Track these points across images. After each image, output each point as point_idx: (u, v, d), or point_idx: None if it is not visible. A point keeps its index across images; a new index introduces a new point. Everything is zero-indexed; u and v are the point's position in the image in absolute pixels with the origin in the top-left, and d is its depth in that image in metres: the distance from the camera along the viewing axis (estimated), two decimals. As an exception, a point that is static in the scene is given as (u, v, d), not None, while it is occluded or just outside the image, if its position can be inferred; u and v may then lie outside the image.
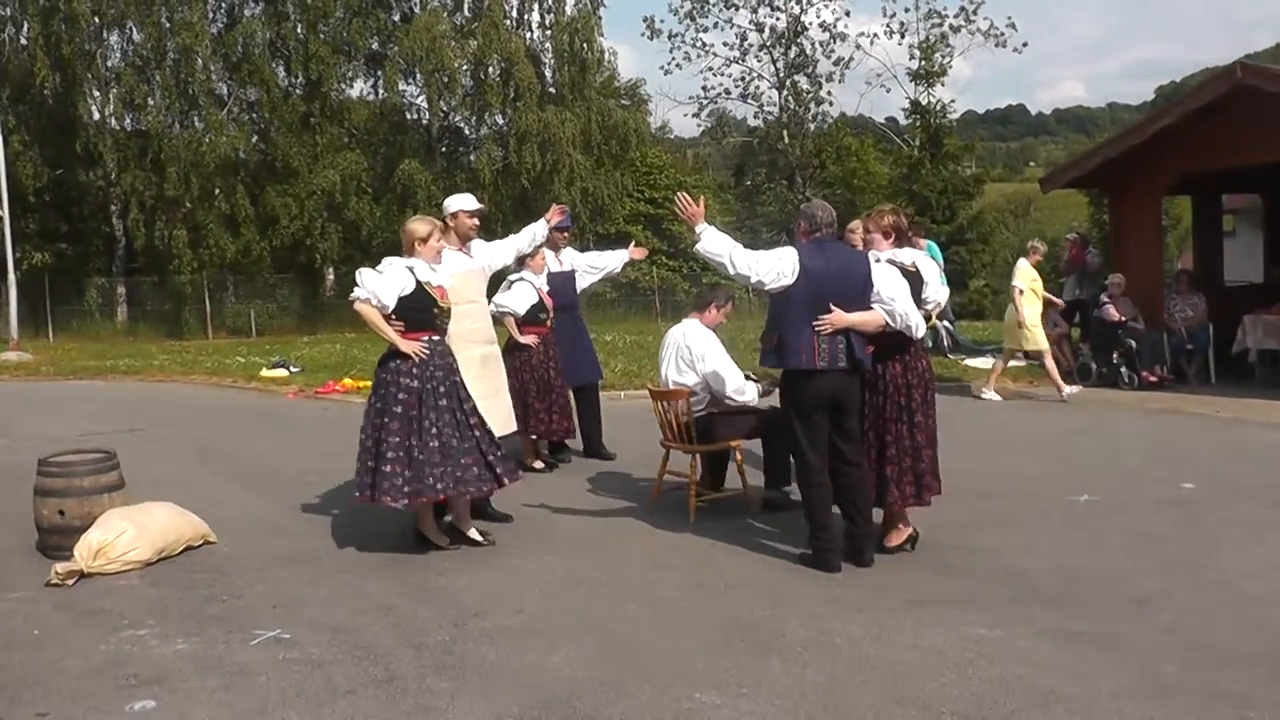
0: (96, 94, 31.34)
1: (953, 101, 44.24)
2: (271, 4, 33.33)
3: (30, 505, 6.78)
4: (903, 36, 40.30)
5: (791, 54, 41.34)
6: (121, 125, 31.91)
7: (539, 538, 7.04)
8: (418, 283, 6.54)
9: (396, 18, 35.29)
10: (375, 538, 6.91)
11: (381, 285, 6.47)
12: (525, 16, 35.91)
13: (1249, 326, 13.79)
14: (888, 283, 6.19)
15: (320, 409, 13.78)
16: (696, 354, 7.58)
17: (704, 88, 43.51)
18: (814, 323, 6.02)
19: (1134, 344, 13.68)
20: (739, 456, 7.61)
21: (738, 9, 40.92)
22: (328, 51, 32.55)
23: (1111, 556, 6.40)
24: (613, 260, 10.13)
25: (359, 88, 36.07)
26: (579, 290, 9.90)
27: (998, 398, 13.15)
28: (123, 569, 6.25)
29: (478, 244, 7.73)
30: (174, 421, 13.18)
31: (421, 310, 6.57)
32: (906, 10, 40.31)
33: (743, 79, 42.08)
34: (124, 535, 6.30)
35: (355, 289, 6.52)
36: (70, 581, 6.07)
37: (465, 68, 34.18)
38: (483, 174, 33.29)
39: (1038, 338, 12.96)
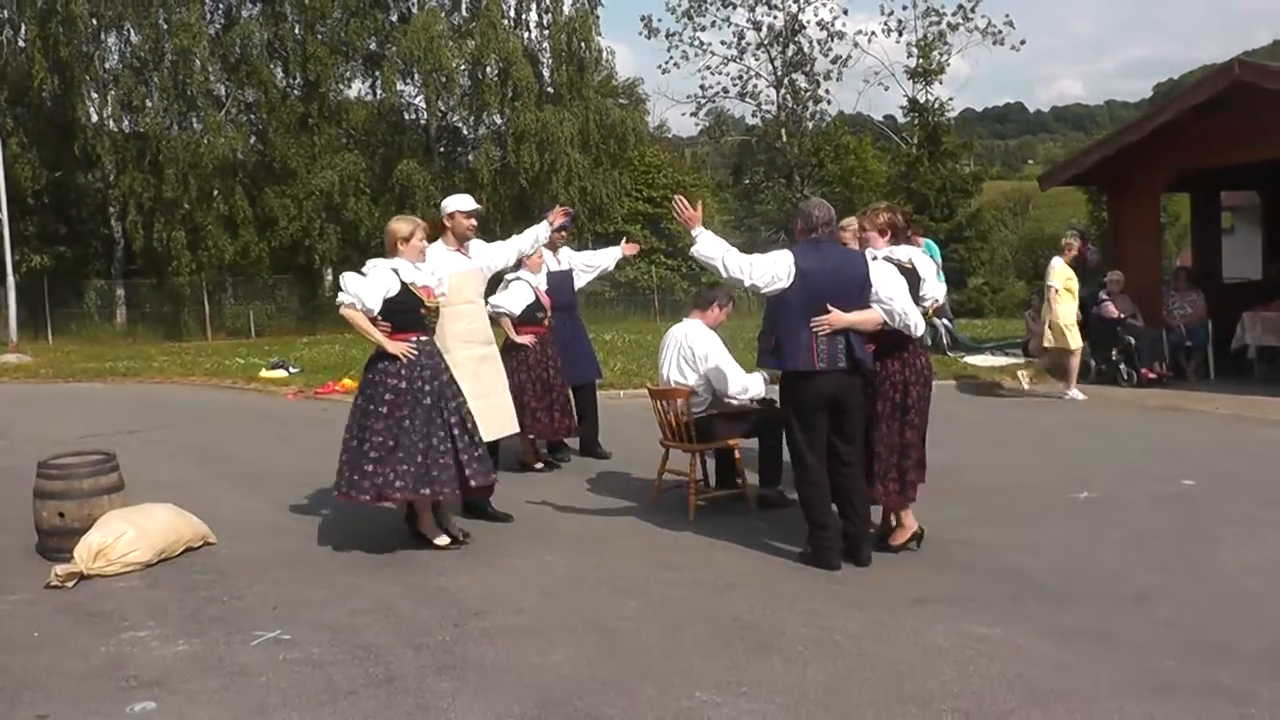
0: (94, 96, 31.32)
1: (951, 99, 44.33)
2: (269, 5, 33.32)
3: (30, 507, 6.78)
4: (900, 34, 40.44)
5: (789, 52, 41.42)
6: (120, 127, 31.92)
7: (539, 537, 7.04)
8: (403, 284, 6.55)
9: (394, 18, 35.26)
10: (375, 538, 6.91)
11: (365, 289, 6.48)
12: (523, 16, 35.97)
13: (1247, 323, 13.80)
14: (885, 281, 6.16)
15: (320, 410, 13.77)
16: (699, 354, 7.58)
17: (702, 86, 43.64)
18: (812, 323, 6.01)
19: (1133, 341, 13.69)
20: (738, 455, 7.63)
21: (735, 8, 41.01)
22: (325, 52, 32.54)
23: (1111, 553, 6.40)
24: (606, 258, 10.13)
25: (357, 88, 36.13)
26: (576, 289, 9.91)
27: (1082, 396, 12.80)
28: (122, 571, 6.24)
29: (476, 244, 7.72)
30: (173, 423, 13.17)
31: (408, 311, 6.58)
32: (904, 8, 40.66)
33: (740, 78, 42.20)
34: (124, 537, 6.30)
35: (340, 294, 6.53)
36: (70, 583, 6.06)
37: (463, 68, 34.18)
38: (481, 174, 33.29)
39: (1071, 338, 12.73)
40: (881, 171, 43.59)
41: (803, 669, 4.67)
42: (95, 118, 31.23)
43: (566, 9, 35.17)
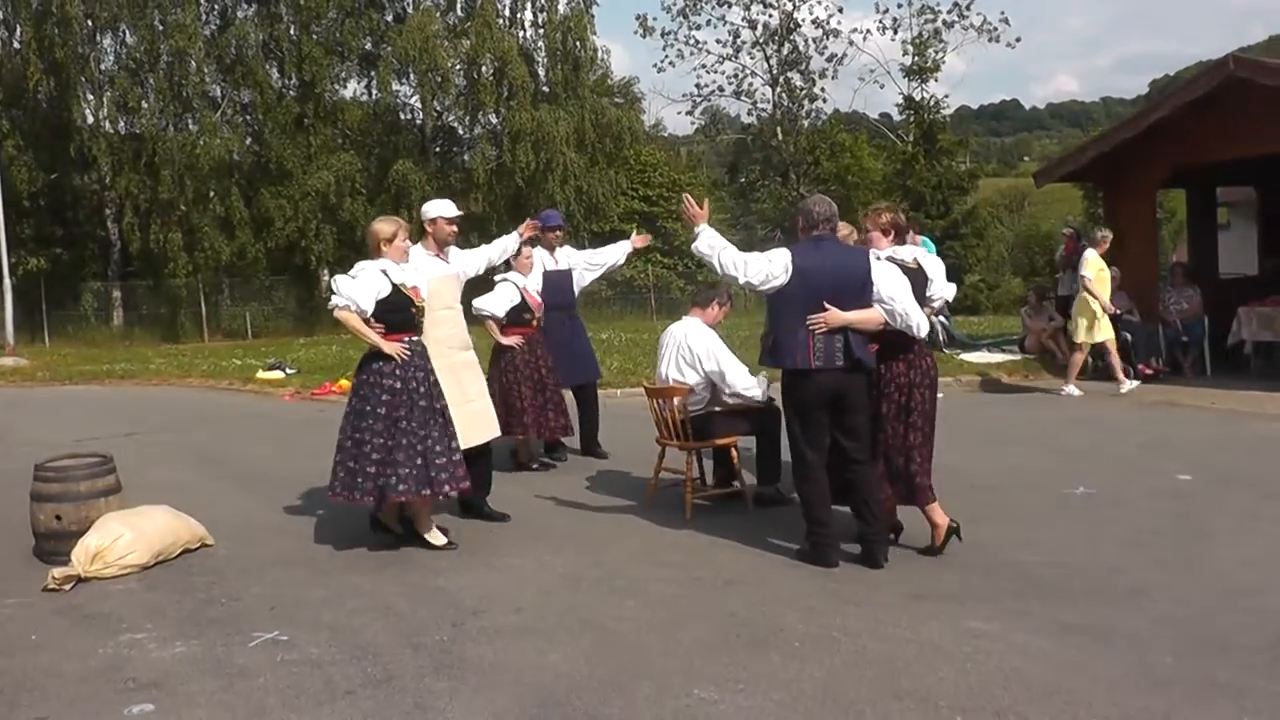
0: (90, 97, 31.24)
1: (946, 97, 44.52)
2: (264, 5, 33.26)
3: (27, 510, 6.77)
4: (896, 32, 40.39)
5: (784, 51, 41.37)
6: (115, 129, 31.84)
7: (537, 536, 7.05)
8: (393, 285, 6.57)
9: (389, 18, 35.20)
10: (372, 538, 6.91)
11: (359, 290, 6.48)
12: (518, 15, 35.87)
13: (1244, 319, 13.82)
14: (887, 280, 6.10)
15: (316, 410, 13.77)
16: (700, 353, 7.57)
17: (697, 85, 43.62)
18: (809, 321, 5.99)
19: (1129, 337, 13.71)
20: (735, 454, 7.64)
21: (730, 6, 40.96)
22: (321, 52, 32.51)
23: (1108, 549, 6.41)
24: (614, 254, 10.08)
25: (352, 88, 36.06)
26: (580, 287, 9.88)
27: (1079, 392, 12.78)
28: (120, 573, 6.24)
29: (454, 250, 7.73)
30: (170, 425, 13.17)
31: (400, 311, 6.60)
32: (899, 6, 40.41)
33: (736, 76, 42.16)
34: (121, 539, 6.30)
35: (333, 297, 6.52)
36: (68, 586, 6.06)
37: (458, 67, 34.13)
38: (477, 174, 33.28)
39: (1100, 328, 12.66)
40: (877, 169, 43.57)
41: (800, 666, 4.67)
42: (91, 119, 31.16)
43: (561, 8, 35.17)
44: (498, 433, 7.65)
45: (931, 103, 38.38)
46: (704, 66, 41.99)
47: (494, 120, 34.78)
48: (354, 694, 4.51)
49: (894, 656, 4.75)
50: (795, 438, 6.23)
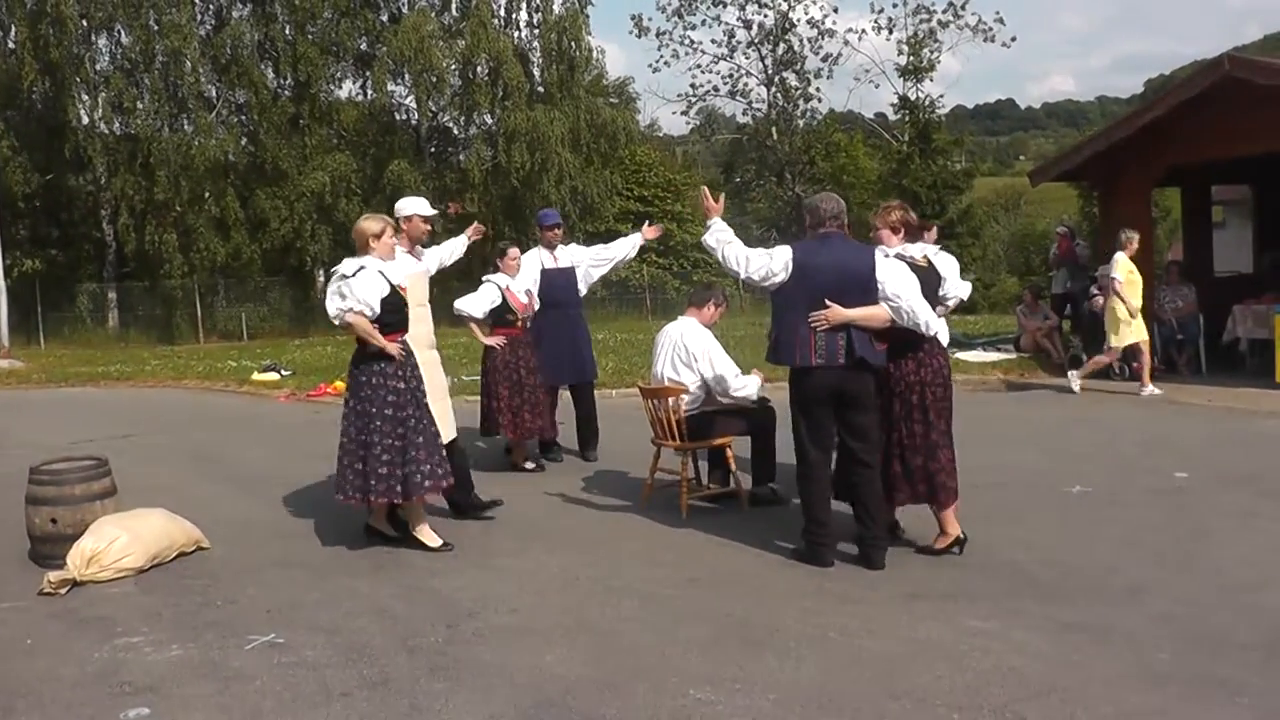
0: (85, 98, 31.22)
1: (941, 96, 44.44)
2: (259, 6, 33.26)
3: (22, 514, 6.76)
4: (891, 32, 40.35)
5: (779, 51, 41.37)
6: (111, 129, 31.81)
7: (532, 537, 7.04)
8: (390, 285, 6.58)
9: (384, 18, 35.21)
10: (365, 541, 6.90)
11: (368, 293, 6.48)
12: (513, 16, 35.87)
13: (1239, 316, 13.84)
14: (894, 278, 6.02)
15: (312, 412, 13.76)
16: (695, 352, 7.56)
17: (692, 85, 43.61)
18: (810, 318, 5.96)
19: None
20: (730, 454, 7.63)
21: (725, 6, 40.95)
22: (316, 53, 32.49)
23: (1105, 547, 6.41)
24: (624, 247, 10.00)
25: (347, 89, 36.05)
26: (587, 284, 9.85)
27: (1078, 390, 12.83)
28: (116, 576, 6.23)
29: (421, 249, 7.76)
30: (166, 427, 13.16)
31: (397, 311, 6.64)
32: (894, 5, 40.35)
33: (731, 76, 42.14)
34: (117, 542, 6.29)
35: (342, 300, 6.48)
36: (63, 590, 6.05)
37: (453, 67, 34.12)
38: (472, 174, 33.28)
39: (1132, 330, 12.51)
40: (873, 169, 43.54)
41: (797, 665, 4.67)
42: (86, 120, 31.13)
43: (556, 8, 35.14)
44: (453, 434, 7.61)
45: (927, 102, 38.35)
46: (699, 66, 41.99)
47: (489, 120, 34.75)
48: (350, 696, 4.51)
49: (891, 656, 4.75)
50: (799, 436, 6.22)
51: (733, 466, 7.63)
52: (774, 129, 42.21)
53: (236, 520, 7.70)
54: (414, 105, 35.00)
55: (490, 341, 9.11)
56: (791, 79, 41.78)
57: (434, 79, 33.31)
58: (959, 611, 5.29)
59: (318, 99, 33.04)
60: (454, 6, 35.67)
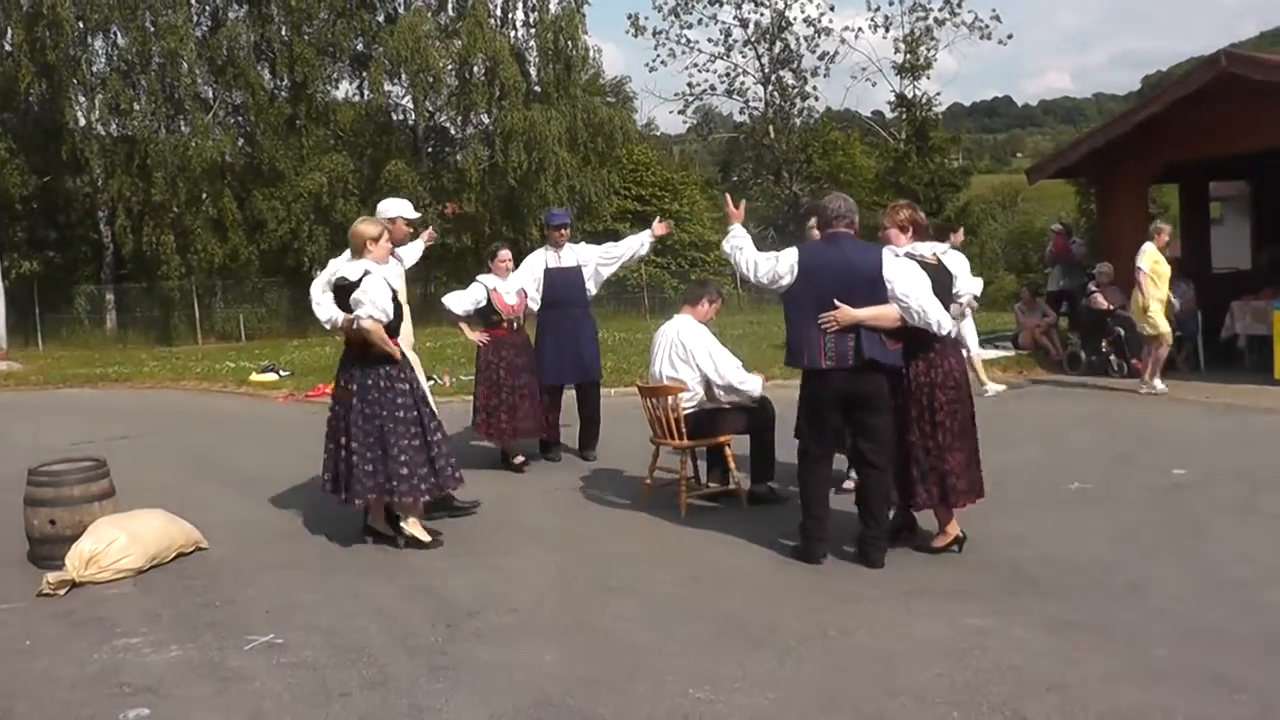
0: (82, 99, 31.15)
1: (938, 94, 44.50)
2: (256, 6, 33.22)
3: (21, 515, 6.76)
4: (887, 30, 40.33)
5: (776, 49, 41.36)
6: (107, 130, 31.76)
7: (531, 537, 7.04)
8: (392, 289, 6.63)
9: (381, 18, 35.16)
10: (361, 539, 6.91)
11: (386, 301, 6.56)
12: (509, 15, 35.82)
13: (1237, 313, 13.84)
14: (902, 277, 5.96)
15: (310, 413, 13.74)
16: (694, 349, 7.56)
17: (689, 84, 43.59)
18: (820, 319, 5.94)
19: (1123, 332, 13.71)
20: (729, 452, 7.62)
21: (722, 5, 40.93)
22: (312, 53, 32.45)
23: (1103, 543, 6.42)
24: (631, 245, 9.92)
25: (344, 89, 35.99)
26: (596, 283, 9.81)
27: (1164, 388, 12.30)
28: (115, 577, 6.23)
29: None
30: (164, 428, 13.15)
31: (398, 315, 6.71)
32: (891, 3, 40.43)
33: (728, 75, 42.13)
34: (115, 543, 6.28)
35: (361, 307, 6.48)
36: (62, 591, 6.05)
37: (450, 67, 34.08)
38: (469, 173, 33.24)
39: (1157, 323, 12.17)
40: (870, 167, 43.54)
41: (796, 664, 4.67)
42: (83, 121, 31.08)
43: (553, 8, 35.11)
44: None
45: (923, 100, 38.36)
46: (696, 65, 41.97)
47: (486, 120, 34.72)
48: (350, 696, 4.51)
49: (890, 653, 4.75)
50: (803, 432, 6.23)
51: (732, 465, 7.62)
52: (771, 127, 42.19)
53: (235, 521, 7.70)
54: (411, 105, 34.95)
55: (474, 337, 9.27)
56: (788, 77, 41.79)
57: (430, 79, 33.28)
58: (958, 609, 5.29)
59: (314, 99, 33.00)
60: (450, 6, 35.64)
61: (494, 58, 33.13)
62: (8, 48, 30.56)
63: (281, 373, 17.90)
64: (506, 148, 32.75)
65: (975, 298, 7.04)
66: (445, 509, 7.56)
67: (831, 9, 41.30)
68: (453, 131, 36.90)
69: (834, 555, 6.22)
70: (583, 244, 10.09)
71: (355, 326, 6.56)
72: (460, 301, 9.28)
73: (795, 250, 6.20)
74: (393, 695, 4.49)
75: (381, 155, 33.95)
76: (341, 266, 6.75)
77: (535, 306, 9.57)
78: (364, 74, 34.61)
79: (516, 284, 9.37)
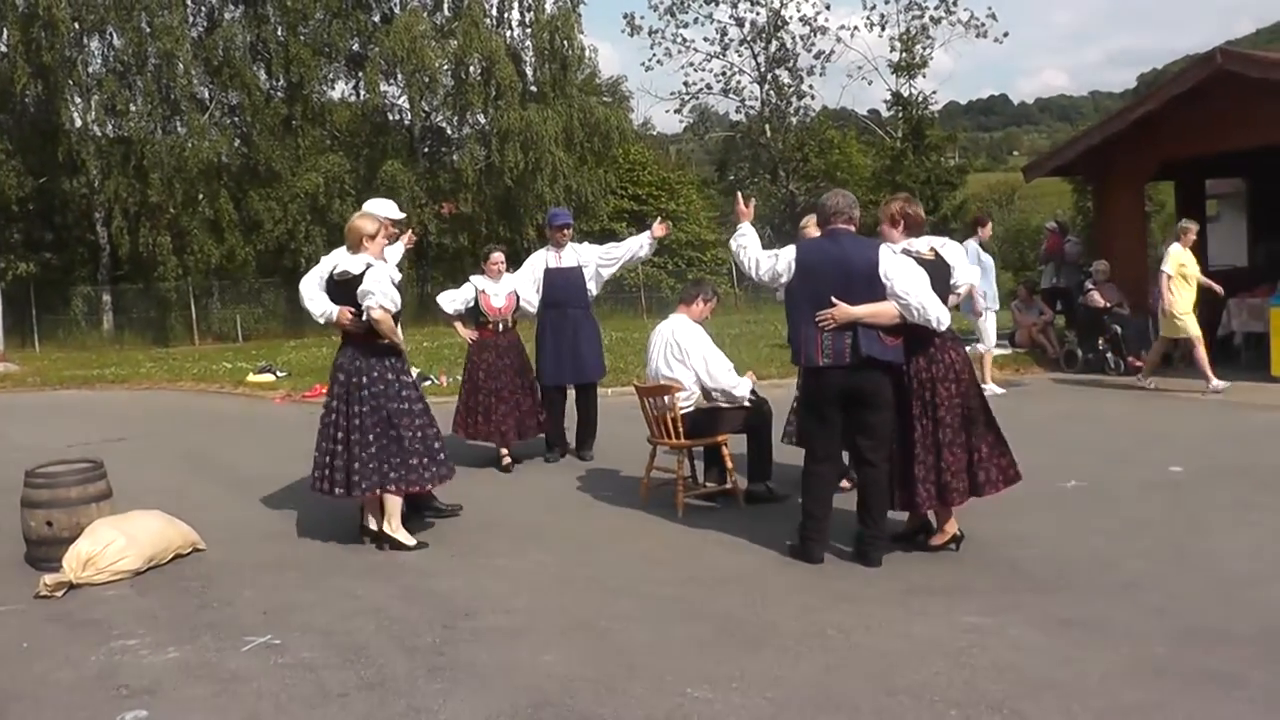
0: (78, 100, 31.08)
1: (934, 93, 44.49)
2: (251, 7, 33.19)
3: (18, 517, 6.75)
4: (883, 29, 40.48)
5: (772, 48, 41.45)
6: (104, 132, 31.72)
7: (528, 537, 7.04)
8: (394, 284, 6.67)
9: (376, 18, 35.13)
10: (363, 541, 6.90)
11: (394, 291, 6.64)
12: (505, 15, 35.84)
13: (1233, 310, 13.86)
14: (900, 274, 5.91)
15: (307, 413, 13.71)
16: (688, 349, 7.57)
17: (685, 83, 43.73)
18: (817, 317, 5.93)
19: (1120, 330, 13.73)
20: (726, 452, 7.62)
21: (718, 4, 41.00)
22: (308, 54, 32.42)
23: (1101, 541, 6.42)
24: (630, 247, 9.89)
25: (340, 89, 35.97)
26: (597, 284, 9.84)
27: (1224, 385, 11.84)
28: (112, 579, 6.22)
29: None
30: (161, 429, 13.14)
31: (399, 310, 6.71)
32: (886, 2, 40.44)
33: (724, 74, 42.20)
34: (112, 545, 6.28)
35: (370, 297, 6.51)
36: (59, 593, 6.04)
37: (446, 67, 34.06)
38: (466, 174, 33.22)
39: (1186, 325, 11.95)
40: (866, 165, 43.55)
41: (794, 663, 4.67)
42: (79, 122, 31.02)
43: (548, 7, 35.10)
44: None
45: (920, 98, 38.39)
46: (692, 65, 42.23)
47: (482, 120, 34.71)
48: (347, 697, 4.50)
49: (888, 652, 4.75)
50: (806, 431, 6.25)
51: (729, 464, 7.62)
52: (767, 126, 42.26)
53: (232, 522, 7.69)
54: (407, 105, 34.93)
55: (466, 335, 9.48)
56: (784, 76, 41.91)
57: (426, 79, 33.26)
58: (956, 608, 5.29)
59: (310, 100, 32.97)
60: (446, 6, 35.61)
61: (490, 57, 33.12)
62: (3, 49, 30.53)
63: (278, 373, 17.89)
64: (503, 147, 32.74)
65: (972, 286, 7.01)
66: (429, 510, 7.56)
67: (827, 8, 41.43)
68: (449, 131, 36.91)
69: (831, 554, 6.22)
70: (584, 244, 10.09)
71: (365, 317, 6.58)
72: (451, 301, 9.44)
73: (793, 247, 6.21)
74: (390, 696, 4.49)
75: (378, 155, 33.93)
76: (342, 260, 6.76)
77: (531, 308, 9.59)
78: (360, 74, 34.59)
79: (509, 286, 9.43)
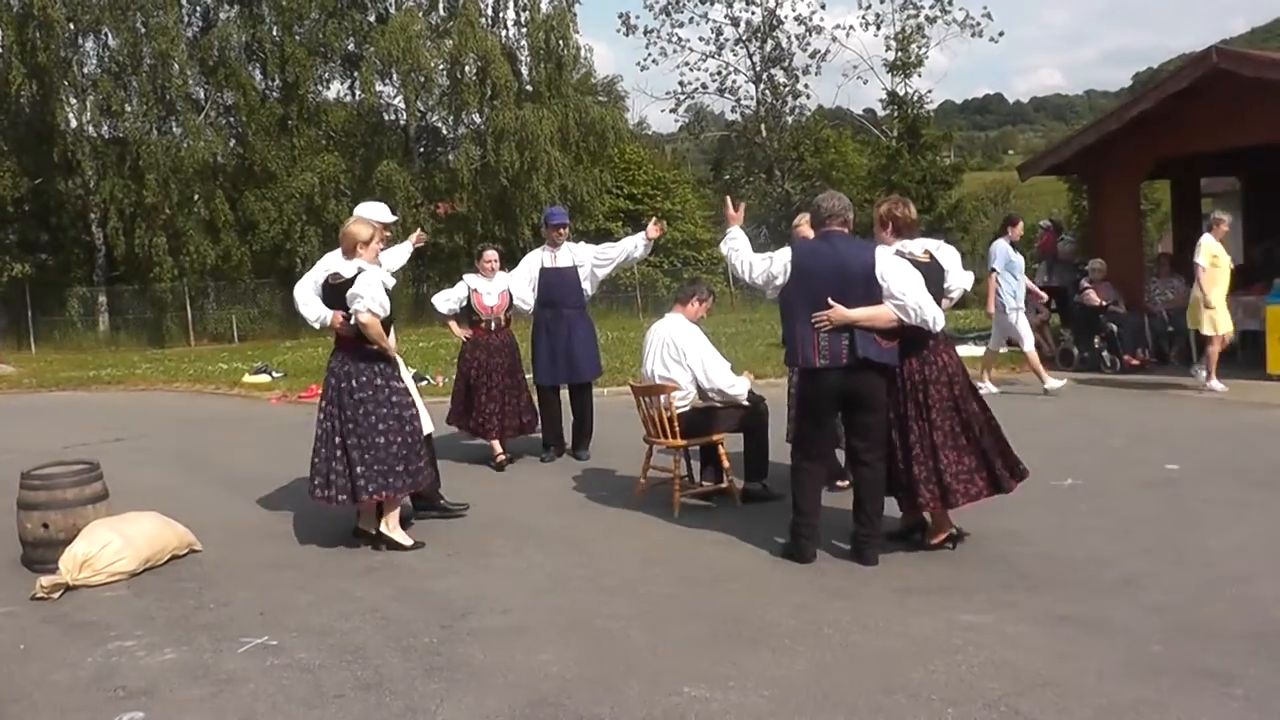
0: (73, 101, 31.08)
1: (930, 92, 44.57)
2: (247, 7, 33.20)
3: (13, 519, 6.75)
4: (878, 28, 40.52)
5: (767, 47, 41.45)
6: (99, 132, 31.73)
7: (525, 536, 7.04)
8: (387, 289, 6.67)
9: (372, 18, 35.17)
10: (358, 542, 6.90)
11: (384, 296, 6.62)
12: (500, 15, 35.89)
13: (1230, 308, 13.84)
14: (895, 275, 5.91)
15: (303, 413, 13.71)
16: (684, 349, 7.56)
17: (681, 83, 43.72)
18: (813, 319, 5.93)
19: (1115, 328, 13.74)
20: (723, 451, 7.62)
21: (713, 3, 41.11)
22: (304, 54, 32.46)
23: (1097, 539, 6.42)
24: (625, 247, 9.87)
25: (335, 89, 36.09)
26: (592, 284, 9.85)
27: (1223, 388, 11.67)
28: (108, 580, 6.22)
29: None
30: (157, 430, 13.13)
31: (391, 315, 6.70)
32: (882, 1, 40.47)
33: (719, 73, 42.22)
34: (109, 546, 6.27)
35: (359, 301, 6.50)
36: (56, 594, 6.04)
37: (441, 67, 34.10)
38: (461, 173, 33.26)
39: (1215, 320, 11.63)
40: (862, 164, 43.61)
41: (791, 662, 4.67)
42: (75, 123, 31.02)
43: (544, 7, 35.18)
44: None
45: (915, 98, 38.46)
46: (687, 64, 42.29)
47: (478, 120, 34.76)
48: (344, 698, 4.50)
49: (885, 651, 4.76)
50: (799, 430, 6.24)
51: (726, 464, 7.62)
52: (763, 126, 42.28)
53: (229, 523, 7.68)
54: (402, 105, 35.00)
55: (460, 333, 9.56)
56: (780, 76, 41.93)
57: (422, 79, 33.31)
58: (952, 606, 5.30)
59: (306, 100, 33.00)
60: (441, 6, 35.67)
61: (485, 57, 33.16)
62: (-2, 49, 30.52)
63: (274, 374, 17.90)
64: (498, 147, 32.77)
65: (966, 291, 7.00)
66: (435, 510, 7.57)
67: (823, 7, 41.80)
68: (444, 131, 36.97)
69: (828, 553, 6.23)
70: (580, 244, 10.09)
71: (353, 322, 6.57)
72: (445, 301, 9.56)
73: (788, 249, 6.20)
74: (387, 696, 4.49)
75: (373, 155, 33.94)
76: (335, 264, 6.76)
77: (526, 307, 9.60)
78: (355, 74, 34.62)
79: (501, 285, 9.46)
